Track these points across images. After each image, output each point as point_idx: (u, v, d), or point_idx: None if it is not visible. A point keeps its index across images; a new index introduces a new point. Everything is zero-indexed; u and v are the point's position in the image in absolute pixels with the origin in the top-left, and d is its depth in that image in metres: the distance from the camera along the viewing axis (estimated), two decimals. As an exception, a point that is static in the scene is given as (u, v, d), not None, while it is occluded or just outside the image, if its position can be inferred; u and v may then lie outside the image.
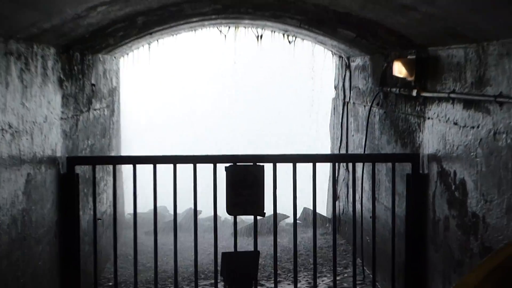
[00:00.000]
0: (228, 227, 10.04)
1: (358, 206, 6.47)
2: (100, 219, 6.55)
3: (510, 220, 3.51)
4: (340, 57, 8.18)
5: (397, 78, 5.32)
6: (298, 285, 6.06)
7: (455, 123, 4.25)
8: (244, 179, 4.95)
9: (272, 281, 6.34)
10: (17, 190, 3.86)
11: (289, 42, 7.69)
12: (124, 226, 9.00)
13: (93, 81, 6.14)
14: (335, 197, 5.18)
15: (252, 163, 4.95)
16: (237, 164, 4.96)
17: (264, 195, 4.98)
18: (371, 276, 6.21)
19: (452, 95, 4.22)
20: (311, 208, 5.26)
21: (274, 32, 7.67)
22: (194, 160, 4.96)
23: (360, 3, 4.38)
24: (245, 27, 7.55)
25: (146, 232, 8.98)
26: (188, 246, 8.38)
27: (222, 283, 6.36)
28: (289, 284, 6.49)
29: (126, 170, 8.97)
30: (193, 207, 5.01)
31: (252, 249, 5.32)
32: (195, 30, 7.53)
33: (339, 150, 8.48)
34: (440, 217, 4.49)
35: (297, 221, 5.38)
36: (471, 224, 3.99)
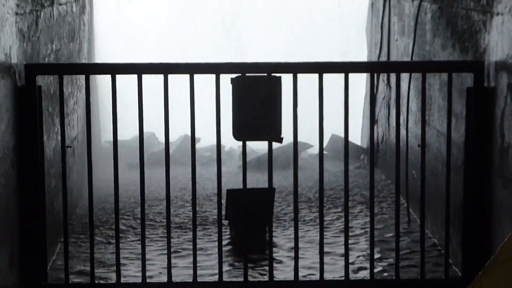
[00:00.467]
0: (234, 160, 10.11)
1: (402, 131, 6.47)
2: (70, 147, 6.58)
3: None
4: None
5: (457, -38, 5.23)
6: (325, 229, 6.11)
7: (533, 20, 4.19)
8: (256, 95, 4.93)
9: (288, 225, 6.40)
10: (-38, 107, 3.86)
11: None
12: (100, 157, 9.05)
13: (57, -34, 6.08)
14: (372, 120, 5.17)
15: (266, 74, 4.92)
16: (247, 75, 4.93)
17: (281, 115, 4.98)
18: (418, 220, 6.25)
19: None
20: (341, 135, 5.25)
21: None
22: (191, 69, 4.94)
23: None
24: None
25: (129, 164, 9.04)
26: (183, 183, 8.45)
27: (228, 229, 6.45)
28: (311, 228, 6.54)
29: (102, 84, 8.97)
30: (189, 131, 5.01)
31: (265, 186, 5.35)
32: None
33: (379, 59, 8.43)
34: (510, 143, 4.48)
35: (324, 152, 5.38)
36: (551, 152, 3.99)
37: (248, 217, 5.15)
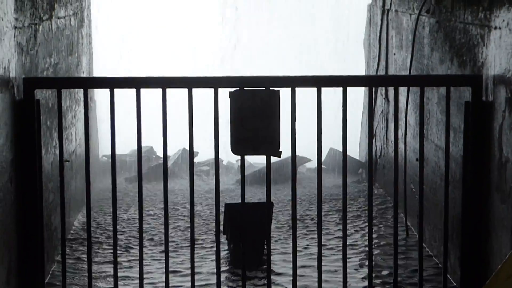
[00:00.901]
0: (232, 174, 10.11)
1: (400, 145, 6.47)
2: (68, 161, 6.58)
3: None
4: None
5: (455, -24, 5.24)
6: (326, 240, 6.10)
7: (531, 35, 4.20)
8: (254, 108, 4.93)
9: (285, 239, 6.39)
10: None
11: None
12: (98, 171, 9.06)
13: (55, -20, 6.09)
14: (371, 134, 5.18)
15: (264, 88, 4.93)
16: (245, 88, 4.93)
17: (279, 129, 4.98)
18: (416, 235, 6.25)
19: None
20: (339, 149, 5.26)
21: None
22: (189, 83, 4.94)
23: None
24: None
25: (127, 178, 9.06)
26: (181, 196, 8.45)
27: (226, 244, 6.43)
28: (309, 243, 6.53)
29: (100, 99, 8.98)
30: (188, 145, 5.01)
31: (263, 200, 5.35)
32: None
33: (377, 73, 8.44)
34: (508, 157, 4.48)
35: (322, 166, 5.38)
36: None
37: (246, 232, 5.15)
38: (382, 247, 6.48)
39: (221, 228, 6.20)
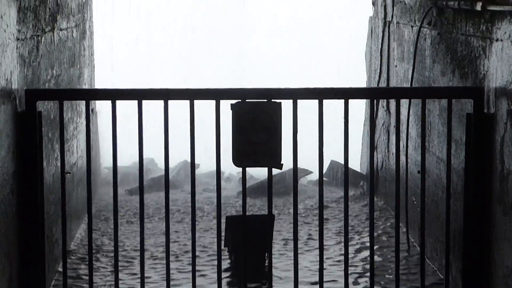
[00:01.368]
0: (234, 186, 10.10)
1: (402, 158, 6.47)
2: (69, 173, 6.58)
3: None
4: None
5: (457, -12, 5.25)
6: (325, 256, 6.10)
7: (533, 47, 4.20)
8: (256, 120, 4.93)
9: (287, 252, 6.38)
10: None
11: None
12: (100, 183, 9.06)
13: (58, -8, 6.11)
14: (372, 146, 5.18)
15: (266, 100, 4.93)
16: (247, 100, 4.94)
17: (281, 141, 4.98)
18: (417, 248, 6.24)
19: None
20: (341, 161, 5.26)
21: None
22: (191, 94, 4.94)
23: None
24: None
25: (128, 190, 9.05)
26: (182, 208, 8.44)
27: (227, 256, 6.43)
28: (310, 255, 6.52)
29: (101, 111, 8.98)
30: (189, 157, 5.01)
31: (264, 213, 5.35)
32: None
33: (378, 85, 8.45)
34: (510, 169, 4.48)
35: (323, 178, 5.38)
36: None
37: (247, 244, 5.14)
38: (383, 261, 6.47)
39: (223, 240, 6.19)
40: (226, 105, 4.96)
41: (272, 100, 4.95)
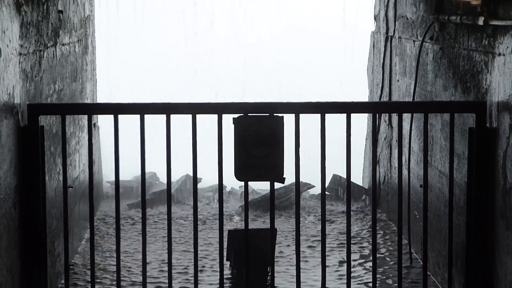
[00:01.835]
0: (235, 200, 10.09)
1: (404, 172, 6.47)
2: (72, 187, 6.57)
3: None
4: (382, -23, 8.12)
5: (458, 2, 5.25)
6: (328, 270, 6.08)
7: (535, 62, 4.21)
8: (258, 135, 4.94)
9: (290, 266, 6.37)
10: (-36, 147, 3.86)
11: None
12: (101, 197, 9.05)
13: (60, 7, 6.11)
14: (375, 160, 5.18)
15: (268, 114, 4.93)
16: (249, 114, 4.94)
17: (283, 155, 4.98)
18: (420, 262, 6.23)
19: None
20: (343, 175, 5.25)
21: None
22: (193, 109, 4.95)
23: None
24: None
25: (130, 204, 9.04)
26: (184, 223, 8.43)
27: (230, 270, 6.41)
28: (312, 269, 6.51)
29: (103, 126, 8.98)
30: (192, 171, 5.01)
31: (267, 226, 5.35)
32: None
33: (380, 99, 8.45)
34: (512, 184, 4.48)
35: (325, 192, 5.38)
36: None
37: (249, 258, 5.13)
38: (385, 275, 6.46)
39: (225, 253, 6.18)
40: (228, 119, 4.97)
41: (274, 114, 4.96)
